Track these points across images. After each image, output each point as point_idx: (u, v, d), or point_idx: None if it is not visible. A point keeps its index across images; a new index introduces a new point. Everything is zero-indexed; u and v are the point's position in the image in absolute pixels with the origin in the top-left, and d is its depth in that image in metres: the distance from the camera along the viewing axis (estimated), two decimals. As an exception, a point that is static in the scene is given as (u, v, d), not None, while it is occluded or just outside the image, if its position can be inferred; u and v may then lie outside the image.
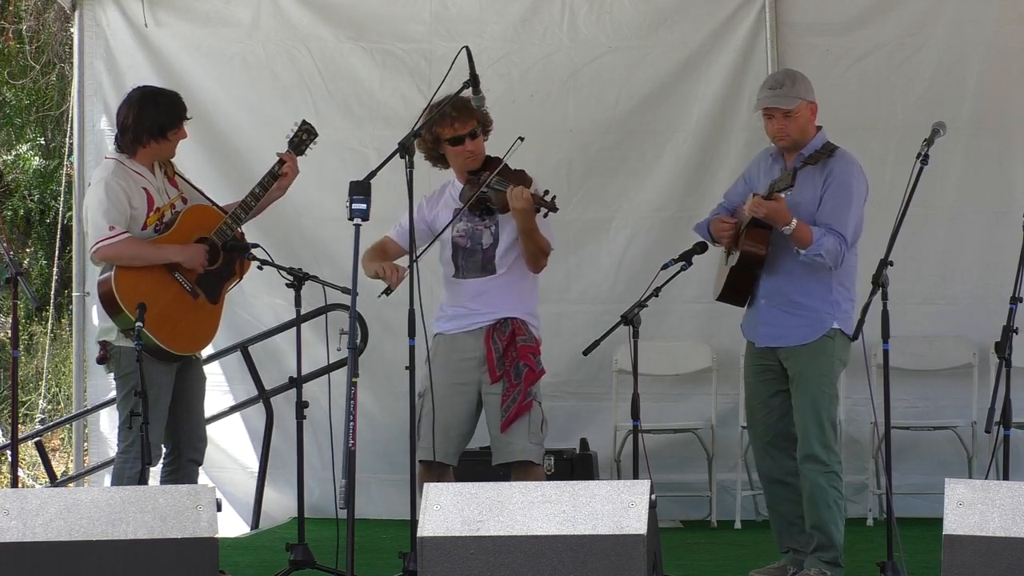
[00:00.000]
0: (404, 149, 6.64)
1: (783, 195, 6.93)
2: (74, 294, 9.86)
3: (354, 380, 6.20)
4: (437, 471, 6.99)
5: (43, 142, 17.10)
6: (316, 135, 7.44)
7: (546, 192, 6.98)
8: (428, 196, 7.32)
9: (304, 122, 7.44)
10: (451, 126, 7.08)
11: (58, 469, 11.59)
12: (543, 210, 6.97)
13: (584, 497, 5.37)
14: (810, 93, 7.15)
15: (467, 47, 6.80)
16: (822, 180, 7.06)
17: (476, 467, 7.52)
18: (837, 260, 6.98)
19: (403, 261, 7.11)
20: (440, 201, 7.27)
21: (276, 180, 7.33)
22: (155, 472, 7.24)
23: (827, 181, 7.06)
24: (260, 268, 7.30)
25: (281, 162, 7.33)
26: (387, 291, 7.03)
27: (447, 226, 7.14)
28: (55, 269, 10.90)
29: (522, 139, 7.03)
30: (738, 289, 7.24)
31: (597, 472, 9.44)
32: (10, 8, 15.88)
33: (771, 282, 7.15)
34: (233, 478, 9.75)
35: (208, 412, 8.13)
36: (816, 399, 7.06)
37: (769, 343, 7.19)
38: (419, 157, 6.76)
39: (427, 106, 7.03)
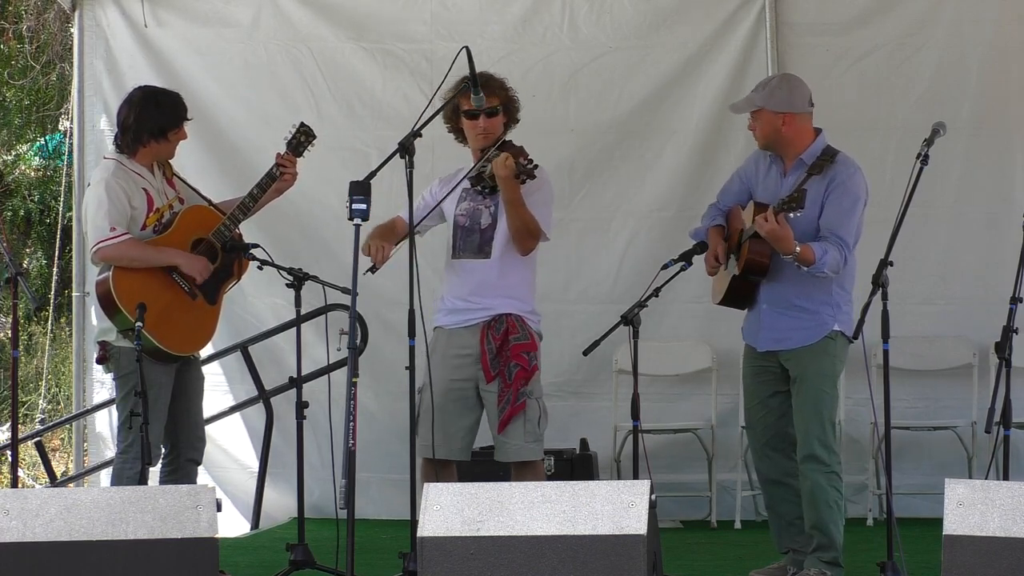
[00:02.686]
0: (404, 149, 6.64)
1: (791, 216, 6.89)
2: (74, 294, 9.86)
3: (354, 380, 6.20)
4: (438, 468, 7.00)
5: (43, 142, 17.11)
6: (314, 137, 7.42)
7: (530, 161, 6.98)
8: (443, 177, 7.33)
9: (302, 124, 7.43)
10: (470, 99, 7.08)
11: (58, 469, 11.59)
12: (520, 179, 6.96)
13: (584, 497, 5.37)
14: (782, 103, 7.08)
15: (467, 47, 6.81)
16: (824, 186, 7.05)
17: (476, 467, 7.51)
18: (838, 270, 6.99)
19: (406, 244, 7.10)
20: (452, 181, 7.27)
21: (274, 181, 7.32)
22: (154, 472, 7.24)
23: (829, 187, 7.04)
24: (260, 268, 7.30)
25: (279, 164, 7.32)
26: (372, 269, 7.03)
27: (445, 197, 7.16)
28: (55, 269, 10.90)
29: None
30: (740, 295, 7.24)
31: (597, 472, 9.44)
32: (10, 8, 15.88)
33: (772, 287, 7.15)
34: (233, 478, 9.75)
35: (208, 412, 8.13)
36: (818, 400, 7.06)
37: (771, 347, 7.18)
38: (419, 157, 6.75)
39: (427, 105, 7.03)
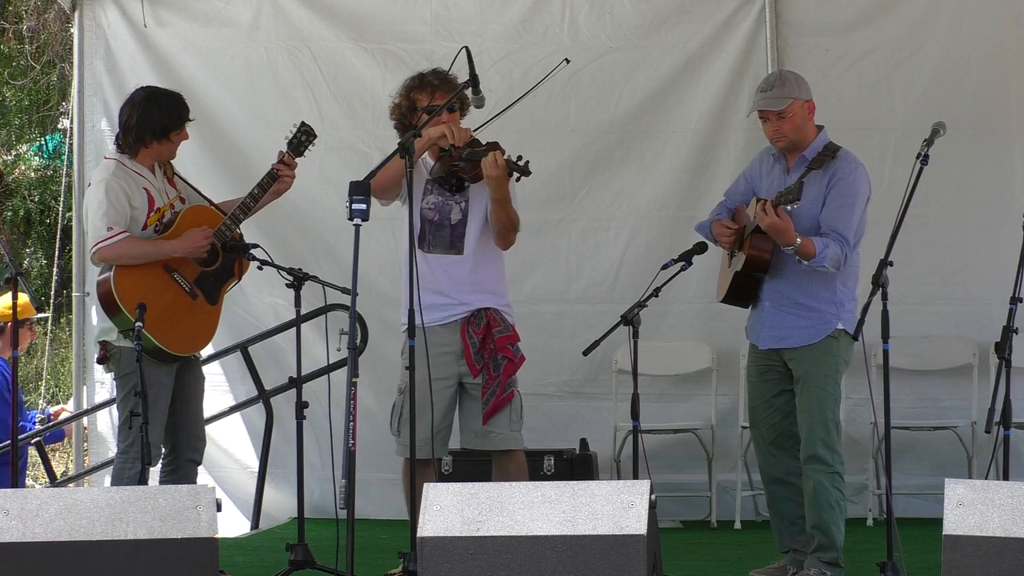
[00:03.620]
0: (404, 149, 6.63)
1: (789, 208, 6.90)
2: (74, 294, 9.86)
3: (354, 380, 6.19)
4: (421, 467, 6.99)
5: (43, 142, 17.12)
6: (315, 136, 7.42)
7: (519, 157, 6.96)
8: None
9: (303, 123, 7.43)
10: (431, 95, 7.04)
11: (58, 469, 11.59)
12: (515, 177, 6.93)
13: (584, 497, 5.37)
14: (804, 91, 7.14)
15: (467, 47, 6.80)
16: (825, 182, 7.06)
17: (476, 467, 7.50)
18: (839, 265, 6.99)
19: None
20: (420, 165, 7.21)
21: (275, 180, 7.32)
22: (154, 472, 7.24)
23: (831, 182, 7.05)
24: (260, 268, 7.30)
25: (280, 162, 7.32)
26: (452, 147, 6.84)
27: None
28: (55, 269, 10.90)
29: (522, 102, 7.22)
30: (742, 292, 7.24)
31: (597, 472, 9.44)
32: (10, 8, 15.89)
33: (775, 284, 7.15)
34: (233, 478, 9.75)
35: (208, 412, 8.13)
36: (821, 399, 7.06)
37: (773, 344, 7.18)
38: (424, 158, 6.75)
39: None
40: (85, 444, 10.11)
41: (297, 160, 7.37)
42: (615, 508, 5.33)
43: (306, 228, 9.73)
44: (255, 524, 9.48)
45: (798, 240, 6.90)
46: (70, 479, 10.08)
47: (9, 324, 10.14)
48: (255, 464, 9.60)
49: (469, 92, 6.97)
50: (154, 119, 7.19)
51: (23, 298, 9.91)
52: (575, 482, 5.48)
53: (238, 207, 7.27)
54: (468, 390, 7.10)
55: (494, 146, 7.01)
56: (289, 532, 8.05)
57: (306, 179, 7.64)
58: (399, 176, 6.91)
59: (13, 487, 7.05)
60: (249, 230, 7.48)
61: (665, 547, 6.14)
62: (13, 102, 16.26)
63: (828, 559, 7.03)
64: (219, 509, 5.57)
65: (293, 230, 9.67)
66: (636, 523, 5.30)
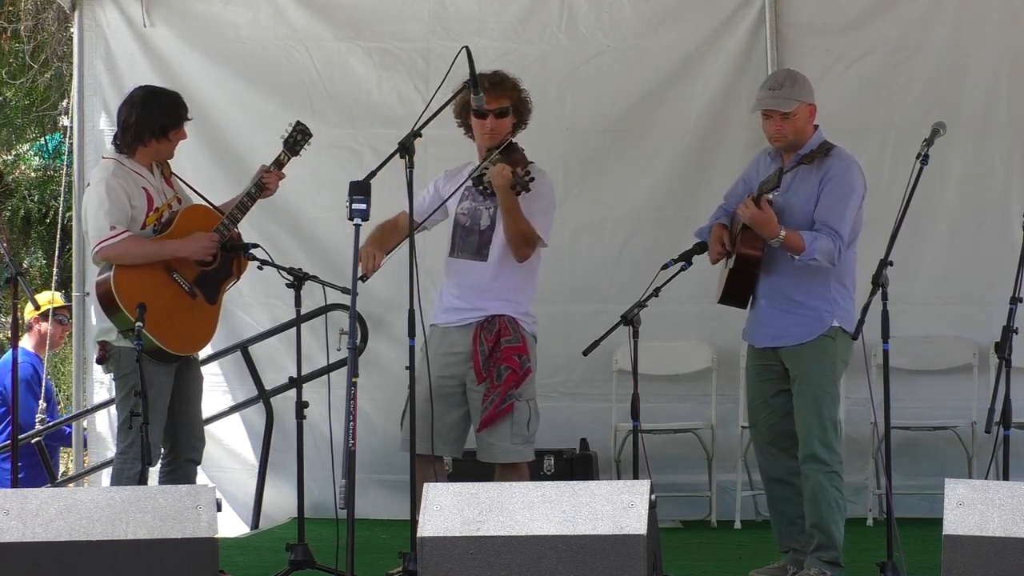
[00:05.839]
0: (404, 149, 6.63)
1: (770, 196, 6.92)
2: (74, 294, 9.86)
3: (354, 380, 6.19)
4: (430, 463, 7.00)
5: (43, 142, 17.12)
6: (310, 135, 7.43)
7: (526, 173, 6.96)
8: (449, 170, 7.32)
9: (298, 123, 7.45)
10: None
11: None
12: (522, 193, 6.94)
13: (584, 497, 5.37)
14: (810, 95, 7.14)
15: (467, 47, 6.80)
16: (819, 179, 7.06)
17: (477, 468, 7.50)
18: (833, 259, 6.98)
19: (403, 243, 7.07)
20: (456, 177, 7.26)
21: (263, 190, 7.33)
22: (153, 472, 7.24)
23: (824, 179, 7.06)
24: (260, 268, 7.29)
25: (264, 181, 7.32)
26: (362, 278, 6.90)
27: (451, 195, 7.18)
28: (55, 269, 10.89)
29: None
30: (737, 291, 7.24)
31: (597, 472, 9.44)
32: (9, 8, 15.88)
33: (770, 282, 7.15)
34: (233, 478, 9.75)
35: (208, 412, 8.13)
36: (817, 399, 7.06)
37: (769, 343, 7.18)
38: (419, 156, 6.75)
39: (427, 105, 7.01)
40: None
41: (291, 158, 7.38)
42: (615, 508, 5.33)
43: (299, 228, 9.72)
44: (255, 524, 9.49)
45: (782, 232, 6.90)
46: (70, 479, 10.09)
47: (37, 319, 10.24)
48: (255, 464, 9.60)
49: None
50: (153, 118, 7.19)
51: (55, 295, 9.99)
52: (575, 482, 5.48)
53: (235, 207, 7.29)
54: (469, 396, 7.10)
55: (515, 155, 7.02)
56: (289, 532, 8.05)
57: (299, 179, 7.63)
58: (404, 230, 7.07)
59: (14, 487, 7.06)
60: (242, 229, 7.47)
61: (665, 547, 6.14)
62: (13, 102, 16.25)
63: (828, 558, 7.03)
64: (219, 509, 5.57)
65: (286, 230, 9.66)
66: (636, 523, 5.30)
